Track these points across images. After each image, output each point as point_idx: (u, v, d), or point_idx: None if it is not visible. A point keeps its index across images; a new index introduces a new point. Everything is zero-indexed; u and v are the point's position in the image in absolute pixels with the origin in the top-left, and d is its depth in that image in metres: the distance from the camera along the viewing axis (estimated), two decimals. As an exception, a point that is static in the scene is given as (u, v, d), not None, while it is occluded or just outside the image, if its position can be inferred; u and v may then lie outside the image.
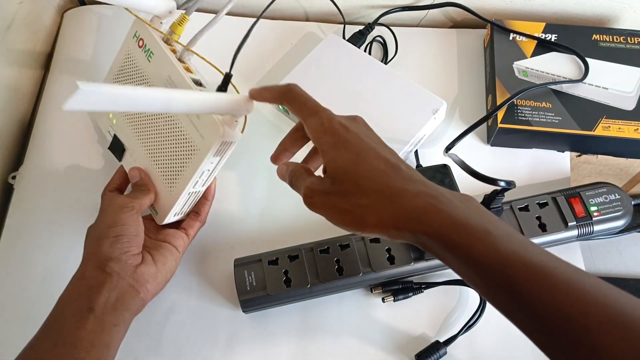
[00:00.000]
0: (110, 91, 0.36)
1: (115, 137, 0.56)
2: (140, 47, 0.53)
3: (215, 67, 0.51)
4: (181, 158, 0.50)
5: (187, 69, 0.52)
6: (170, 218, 0.53)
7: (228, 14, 0.69)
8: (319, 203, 0.38)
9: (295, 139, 0.46)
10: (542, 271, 0.30)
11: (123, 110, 0.50)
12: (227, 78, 0.49)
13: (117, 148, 0.56)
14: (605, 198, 0.54)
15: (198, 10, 0.55)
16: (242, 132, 0.50)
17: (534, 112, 0.59)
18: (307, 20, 0.73)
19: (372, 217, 0.35)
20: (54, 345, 0.41)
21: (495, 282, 0.31)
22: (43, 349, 0.42)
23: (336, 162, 0.38)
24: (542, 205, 0.54)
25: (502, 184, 0.47)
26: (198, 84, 0.51)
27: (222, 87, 0.49)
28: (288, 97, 0.42)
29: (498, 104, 0.59)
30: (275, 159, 0.47)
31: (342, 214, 0.37)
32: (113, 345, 0.43)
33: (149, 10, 0.52)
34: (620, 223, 0.53)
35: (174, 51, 0.53)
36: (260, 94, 0.45)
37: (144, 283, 0.46)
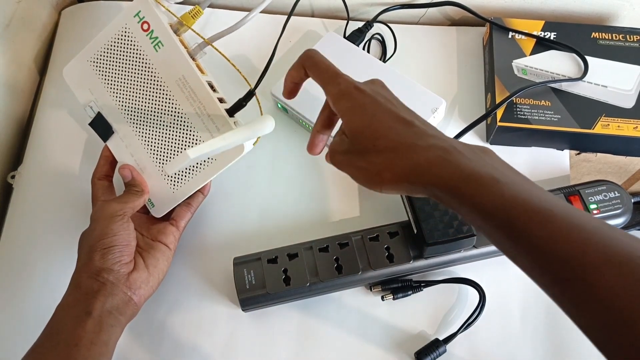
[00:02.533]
0: (212, 149, 0.42)
1: (99, 115, 0.53)
2: (144, 31, 0.49)
3: (241, 73, 0.50)
4: (193, 164, 0.50)
5: (199, 68, 0.50)
6: (167, 211, 0.53)
7: (232, 8, 0.70)
8: (341, 161, 0.41)
9: (324, 118, 0.46)
10: (543, 213, 0.31)
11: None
12: (251, 94, 0.49)
13: (101, 127, 0.53)
14: (605, 196, 0.54)
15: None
16: (254, 144, 0.51)
17: (533, 111, 0.59)
18: (312, 16, 0.73)
19: (387, 174, 0.37)
20: (55, 346, 0.42)
21: (499, 226, 0.32)
22: (45, 351, 0.42)
23: (353, 123, 0.39)
24: (542, 204, 0.54)
25: None
26: (211, 87, 0.50)
27: (244, 101, 0.49)
28: (307, 64, 0.44)
29: (497, 102, 0.58)
30: (311, 146, 0.47)
31: (361, 171, 0.39)
32: (111, 343, 0.45)
33: None
34: (620, 221, 0.53)
35: (183, 45, 0.50)
36: (287, 81, 0.46)
37: (136, 289, 0.47)
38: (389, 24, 0.68)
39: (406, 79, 0.60)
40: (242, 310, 0.52)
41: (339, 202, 0.59)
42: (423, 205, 0.51)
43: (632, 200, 0.55)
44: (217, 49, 0.50)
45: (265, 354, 0.52)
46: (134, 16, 0.50)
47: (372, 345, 0.52)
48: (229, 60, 0.49)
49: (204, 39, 0.50)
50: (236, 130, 0.46)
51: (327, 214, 0.58)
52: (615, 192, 0.54)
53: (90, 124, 0.54)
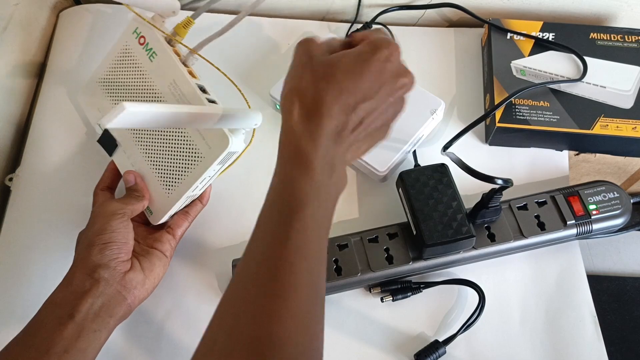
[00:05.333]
0: (153, 110, 0.39)
1: (106, 131, 0.55)
2: (141, 44, 0.53)
3: (227, 76, 0.52)
4: (183, 163, 0.51)
5: (191, 73, 0.52)
6: (165, 219, 0.53)
7: (221, 12, 0.70)
8: None
9: None
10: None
11: (159, 127, 0.49)
12: None
13: (107, 142, 0.55)
14: (604, 196, 0.54)
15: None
16: (249, 143, 0.51)
17: (532, 111, 0.59)
18: (310, 18, 0.72)
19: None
20: (27, 348, 0.42)
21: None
22: (16, 353, 0.42)
23: None
24: (541, 204, 0.54)
25: (500, 182, 0.46)
26: (203, 90, 0.51)
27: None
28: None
29: (496, 103, 0.58)
30: None
31: None
32: (90, 351, 0.44)
33: (152, 8, 0.51)
34: (619, 221, 0.53)
35: (177, 53, 0.52)
36: None
37: (131, 289, 0.47)
38: (388, 26, 0.68)
39: (405, 80, 0.60)
40: (241, 312, 0.52)
41: (338, 204, 0.59)
42: (422, 206, 0.51)
43: (632, 201, 0.55)
44: (201, 56, 0.52)
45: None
46: (132, 33, 0.54)
47: (371, 347, 0.52)
48: (212, 65, 0.52)
49: (188, 48, 0.52)
50: (202, 106, 0.46)
51: (326, 215, 0.58)
52: (615, 193, 0.54)
53: (98, 141, 0.56)
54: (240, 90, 0.54)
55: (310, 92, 0.38)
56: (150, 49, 0.52)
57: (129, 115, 0.36)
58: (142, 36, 0.53)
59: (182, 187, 0.51)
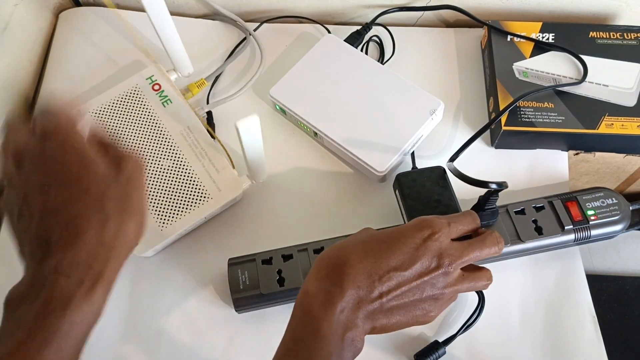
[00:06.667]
0: (259, 137, 0.45)
1: None
2: (155, 90, 0.58)
3: (221, 142, 0.57)
4: (185, 201, 0.53)
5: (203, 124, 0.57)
6: (151, 253, 0.54)
7: (221, 18, 0.70)
8: None
9: None
10: None
11: (247, 149, 0.48)
12: None
13: None
14: (603, 202, 0.53)
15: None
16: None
17: (537, 113, 0.58)
18: (300, 21, 0.72)
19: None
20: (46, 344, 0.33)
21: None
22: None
23: None
24: (539, 209, 0.53)
25: (494, 186, 0.47)
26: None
27: None
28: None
29: (501, 106, 0.58)
30: None
31: None
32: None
33: (177, 64, 0.58)
34: (618, 228, 0.53)
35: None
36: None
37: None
38: (388, 27, 0.68)
39: (404, 81, 0.60)
40: (236, 310, 0.52)
41: (335, 204, 0.59)
42: (418, 209, 0.51)
43: (631, 208, 0.54)
44: (208, 119, 0.58)
45: (261, 357, 0.52)
46: (146, 79, 0.59)
47: (371, 348, 0.52)
48: (211, 132, 0.56)
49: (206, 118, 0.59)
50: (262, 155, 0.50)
51: (322, 215, 0.58)
52: (613, 199, 0.53)
53: None
54: (229, 156, 0.58)
55: (339, 253, 0.39)
56: (165, 96, 0.58)
57: (254, 127, 0.41)
58: (158, 84, 0.58)
59: (180, 224, 0.53)
